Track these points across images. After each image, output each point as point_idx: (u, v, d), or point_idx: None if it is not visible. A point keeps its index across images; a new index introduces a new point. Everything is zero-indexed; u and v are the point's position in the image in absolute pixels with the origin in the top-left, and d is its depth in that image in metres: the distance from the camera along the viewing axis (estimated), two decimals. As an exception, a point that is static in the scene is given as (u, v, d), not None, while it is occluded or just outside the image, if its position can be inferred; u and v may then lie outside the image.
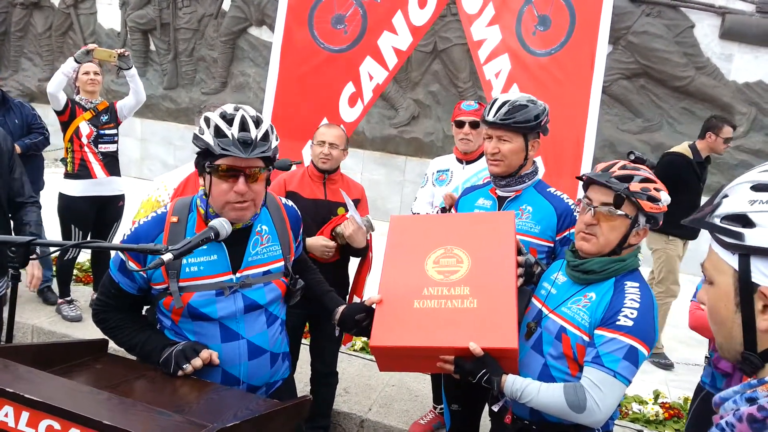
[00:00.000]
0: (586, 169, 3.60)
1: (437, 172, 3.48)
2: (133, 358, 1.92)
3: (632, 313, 1.78)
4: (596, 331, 1.82)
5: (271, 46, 9.15)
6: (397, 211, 8.51)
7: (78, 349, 1.86)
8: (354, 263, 3.38)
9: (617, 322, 1.78)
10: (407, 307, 1.90)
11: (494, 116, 2.33)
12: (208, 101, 9.64)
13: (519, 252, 2.08)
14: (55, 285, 4.75)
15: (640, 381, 4.53)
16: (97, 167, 4.45)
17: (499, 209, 2.47)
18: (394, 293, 1.95)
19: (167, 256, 1.59)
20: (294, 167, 3.36)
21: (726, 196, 0.99)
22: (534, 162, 2.49)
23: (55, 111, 4.40)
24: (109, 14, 10.28)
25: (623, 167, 1.91)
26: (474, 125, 3.22)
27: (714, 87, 7.47)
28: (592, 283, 1.91)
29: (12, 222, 2.88)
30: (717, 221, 0.97)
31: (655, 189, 1.86)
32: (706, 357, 2.74)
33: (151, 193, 2.57)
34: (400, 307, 1.91)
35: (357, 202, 3.19)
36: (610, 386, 1.74)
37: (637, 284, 1.87)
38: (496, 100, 2.38)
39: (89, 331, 4.27)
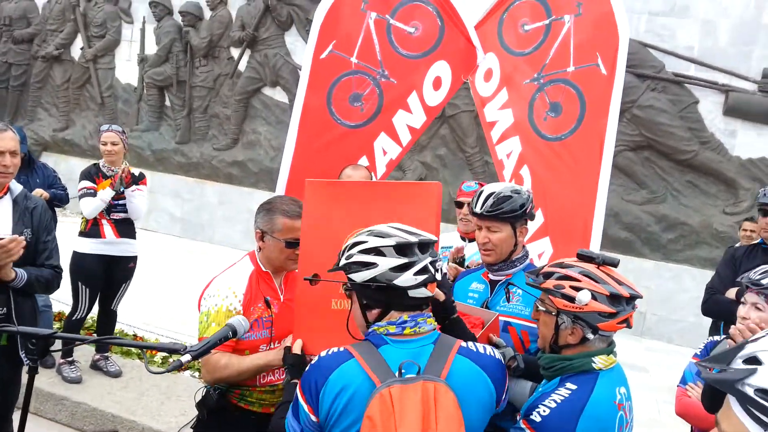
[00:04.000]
0: (594, 247, 3.63)
1: (441, 248, 3.53)
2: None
3: (545, 411, 1.70)
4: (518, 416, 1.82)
5: (283, 106, 9.49)
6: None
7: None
8: None
9: (530, 415, 1.72)
10: (324, 309, 1.94)
11: (481, 208, 2.40)
12: (218, 156, 9.82)
13: (496, 346, 2.02)
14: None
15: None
16: (108, 229, 4.51)
17: (491, 293, 2.51)
18: (311, 290, 1.94)
19: (185, 357, 1.60)
20: None
21: (758, 361, 0.93)
22: (524, 246, 2.54)
23: None
24: (127, 70, 10.57)
25: (557, 264, 1.89)
26: None
27: (718, 162, 7.59)
28: (551, 378, 1.86)
29: None
30: (750, 392, 0.92)
31: (572, 287, 1.78)
32: None
33: (218, 303, 2.24)
34: (318, 309, 1.95)
35: None
36: None
37: (574, 386, 1.75)
38: (482, 192, 2.45)
39: (89, 393, 4.25)
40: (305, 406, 1.58)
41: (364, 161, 4.02)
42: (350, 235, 1.71)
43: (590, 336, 1.79)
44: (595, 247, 3.65)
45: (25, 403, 1.77)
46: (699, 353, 2.85)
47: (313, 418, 1.57)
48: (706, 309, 3.86)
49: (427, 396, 1.48)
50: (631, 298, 1.81)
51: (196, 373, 4.71)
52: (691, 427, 2.79)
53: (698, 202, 7.71)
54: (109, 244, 4.53)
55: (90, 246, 4.50)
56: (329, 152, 4.04)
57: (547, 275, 1.85)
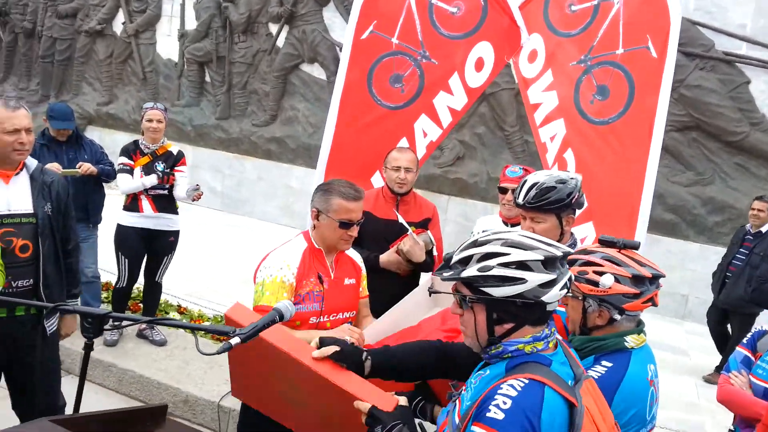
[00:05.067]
0: (641, 233, 3.55)
1: (482, 232, 3.51)
2: (193, 425, 1.97)
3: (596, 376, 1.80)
4: None
5: (321, 83, 9.49)
6: (438, 251, 8.51)
7: (141, 415, 1.93)
8: None
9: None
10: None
11: (524, 199, 2.37)
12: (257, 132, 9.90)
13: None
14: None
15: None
16: (146, 203, 4.59)
17: None
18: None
19: (235, 340, 1.64)
20: None
21: None
22: (572, 234, 2.50)
23: None
24: (167, 45, 10.67)
25: (580, 251, 1.98)
26: None
27: (769, 144, 7.32)
28: (583, 358, 1.92)
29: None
30: None
31: (595, 272, 1.88)
32: (730, 429, 2.80)
33: (273, 273, 2.37)
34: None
35: (428, 221, 3.47)
36: None
37: (610, 364, 1.86)
38: (525, 182, 2.42)
39: (135, 361, 4.39)
40: None
41: (404, 143, 4.00)
42: (470, 240, 1.59)
43: (617, 317, 1.88)
44: (642, 231, 3.57)
45: (80, 381, 1.84)
46: (745, 342, 2.85)
47: None
48: (756, 298, 3.79)
49: (590, 391, 1.50)
50: (654, 278, 1.89)
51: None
52: (734, 416, 2.79)
53: (748, 185, 7.46)
54: (148, 218, 4.61)
55: (130, 219, 4.61)
56: (369, 133, 4.04)
57: (571, 262, 1.93)
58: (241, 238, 8.70)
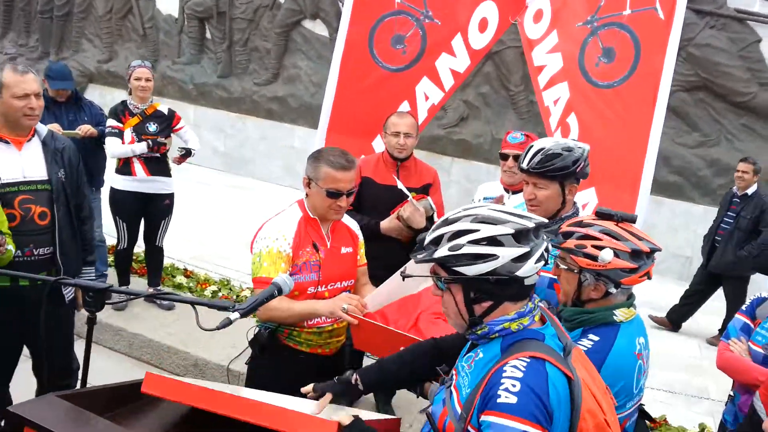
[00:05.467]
0: (644, 197, 3.53)
1: (484, 199, 3.52)
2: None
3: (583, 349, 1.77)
4: None
5: (323, 40, 9.33)
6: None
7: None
8: None
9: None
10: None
11: (528, 164, 2.34)
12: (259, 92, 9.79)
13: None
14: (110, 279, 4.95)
15: (686, 410, 4.50)
16: (138, 167, 4.56)
17: None
18: None
19: (234, 315, 1.65)
20: None
21: None
22: (574, 203, 2.49)
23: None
24: (167, 0, 10.46)
25: (576, 224, 1.95)
26: (518, 159, 3.23)
27: (778, 105, 7.21)
28: (572, 330, 1.93)
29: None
30: None
31: (594, 246, 1.85)
32: (729, 395, 2.83)
33: (269, 244, 2.36)
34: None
35: (429, 187, 3.48)
36: None
37: (597, 337, 1.85)
38: (531, 147, 2.39)
39: (144, 325, 4.46)
40: None
41: (405, 106, 3.96)
42: (442, 219, 1.52)
43: (613, 290, 1.87)
44: (644, 195, 3.55)
45: (86, 354, 1.87)
46: (744, 309, 2.86)
47: None
48: (759, 264, 3.79)
49: (579, 360, 1.50)
50: (651, 252, 1.87)
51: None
52: (733, 382, 2.83)
53: (753, 147, 7.38)
54: (141, 182, 4.60)
55: (123, 183, 4.60)
56: (370, 96, 3.99)
57: (567, 235, 1.93)
58: (245, 199, 8.70)
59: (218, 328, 1.61)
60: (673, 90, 7.57)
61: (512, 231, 1.42)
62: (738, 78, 7.27)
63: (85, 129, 4.46)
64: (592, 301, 1.91)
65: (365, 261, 2.72)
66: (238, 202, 8.48)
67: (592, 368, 1.55)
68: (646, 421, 2.13)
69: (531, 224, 1.45)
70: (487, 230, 1.43)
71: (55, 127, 4.17)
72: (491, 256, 1.41)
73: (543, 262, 1.46)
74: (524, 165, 2.37)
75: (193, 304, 1.75)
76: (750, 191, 5.63)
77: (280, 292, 1.77)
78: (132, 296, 1.81)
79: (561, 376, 1.39)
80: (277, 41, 9.61)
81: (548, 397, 1.34)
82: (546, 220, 1.55)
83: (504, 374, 1.37)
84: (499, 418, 1.32)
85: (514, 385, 1.34)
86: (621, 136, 3.53)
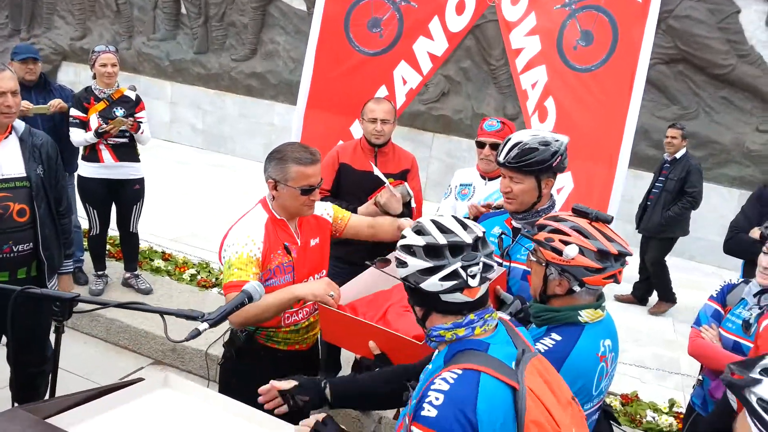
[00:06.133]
0: (620, 174, 3.53)
1: (460, 185, 3.51)
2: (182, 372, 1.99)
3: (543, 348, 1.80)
4: None
5: (301, 14, 9.16)
6: (423, 188, 8.50)
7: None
8: None
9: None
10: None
11: (504, 158, 2.35)
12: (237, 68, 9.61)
13: (502, 302, 2.23)
14: (86, 268, 4.91)
15: (657, 386, 4.60)
16: (105, 154, 4.50)
17: (512, 240, 2.49)
18: None
19: (203, 326, 1.64)
20: None
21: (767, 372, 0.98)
22: (551, 196, 2.49)
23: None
24: (141, -25, 10.18)
25: (551, 218, 1.97)
26: (494, 147, 3.21)
27: (756, 77, 7.22)
28: (540, 326, 1.95)
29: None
30: (754, 401, 0.97)
31: (561, 241, 1.85)
32: (698, 379, 2.87)
33: (239, 250, 2.29)
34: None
35: (406, 172, 3.48)
36: None
37: (559, 337, 1.84)
38: (508, 140, 2.38)
39: (121, 310, 4.39)
40: None
41: (383, 91, 3.92)
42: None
43: (577, 288, 1.87)
44: (622, 169, 3.54)
45: (54, 363, 1.85)
46: (715, 295, 2.89)
47: None
48: (729, 247, 3.85)
49: (537, 369, 1.50)
50: (620, 255, 1.85)
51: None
52: (701, 366, 2.86)
53: (731, 119, 7.42)
54: (110, 168, 4.55)
55: (90, 170, 4.54)
56: (347, 81, 3.95)
57: (541, 227, 1.94)
58: (225, 178, 8.62)
59: (186, 340, 1.60)
60: (652, 63, 7.52)
61: (423, 244, 1.50)
62: (717, 50, 7.27)
63: (55, 104, 4.39)
64: (557, 297, 1.90)
65: (348, 215, 2.70)
66: (218, 181, 8.40)
67: (556, 377, 1.56)
68: (611, 422, 2.15)
69: (443, 241, 1.48)
70: (410, 239, 1.53)
71: (25, 104, 4.08)
72: (403, 263, 1.51)
73: (455, 282, 1.47)
74: (501, 159, 2.37)
75: (161, 313, 1.73)
76: (678, 155, 5.87)
77: (250, 299, 1.76)
78: (100, 306, 1.78)
79: (500, 386, 1.40)
80: (254, 16, 9.42)
81: (474, 410, 1.36)
82: (469, 241, 1.51)
83: (432, 387, 1.41)
84: (419, 430, 1.38)
85: (437, 398, 1.38)
86: (598, 118, 3.53)
